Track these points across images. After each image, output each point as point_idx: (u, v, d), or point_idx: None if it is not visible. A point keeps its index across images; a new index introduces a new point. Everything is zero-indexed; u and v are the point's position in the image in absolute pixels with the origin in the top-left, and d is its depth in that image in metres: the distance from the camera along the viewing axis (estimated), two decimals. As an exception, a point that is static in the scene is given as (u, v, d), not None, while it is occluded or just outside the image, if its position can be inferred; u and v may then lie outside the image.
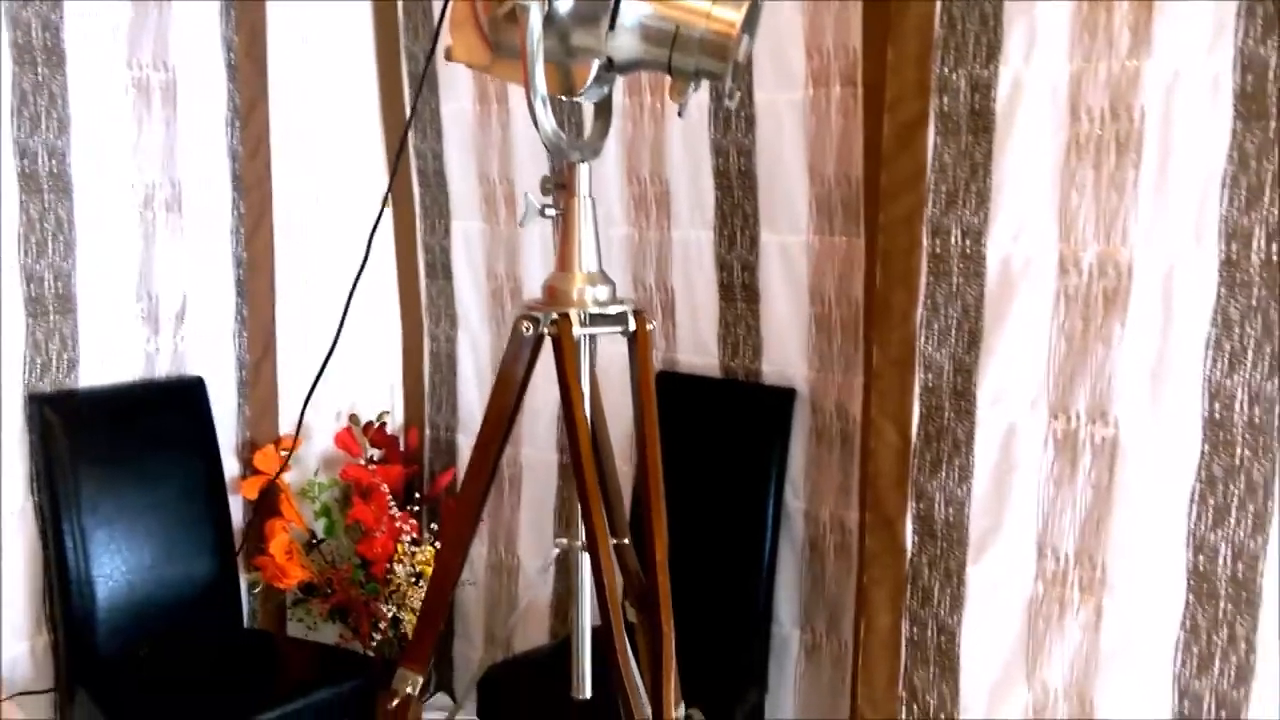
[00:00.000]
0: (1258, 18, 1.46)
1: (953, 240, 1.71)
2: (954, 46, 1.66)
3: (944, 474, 1.78)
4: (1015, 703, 1.76)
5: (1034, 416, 1.70)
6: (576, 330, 1.22)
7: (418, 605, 2.38)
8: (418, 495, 2.57)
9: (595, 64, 1.15)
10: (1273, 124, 1.46)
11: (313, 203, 2.46)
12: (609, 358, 1.35)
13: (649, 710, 1.24)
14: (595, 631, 1.28)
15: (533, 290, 2.23)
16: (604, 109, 1.27)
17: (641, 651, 1.31)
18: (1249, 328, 1.51)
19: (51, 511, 2.02)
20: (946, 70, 1.67)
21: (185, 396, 2.25)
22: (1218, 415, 1.56)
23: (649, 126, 2.15)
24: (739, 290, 2.12)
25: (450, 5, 1.20)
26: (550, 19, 1.12)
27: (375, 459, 2.55)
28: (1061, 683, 1.72)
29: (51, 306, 2.06)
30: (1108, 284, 1.60)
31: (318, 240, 2.46)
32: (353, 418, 2.59)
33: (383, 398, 2.69)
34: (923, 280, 1.73)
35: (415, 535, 2.46)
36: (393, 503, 2.46)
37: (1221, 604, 1.59)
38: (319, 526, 2.49)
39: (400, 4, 2.51)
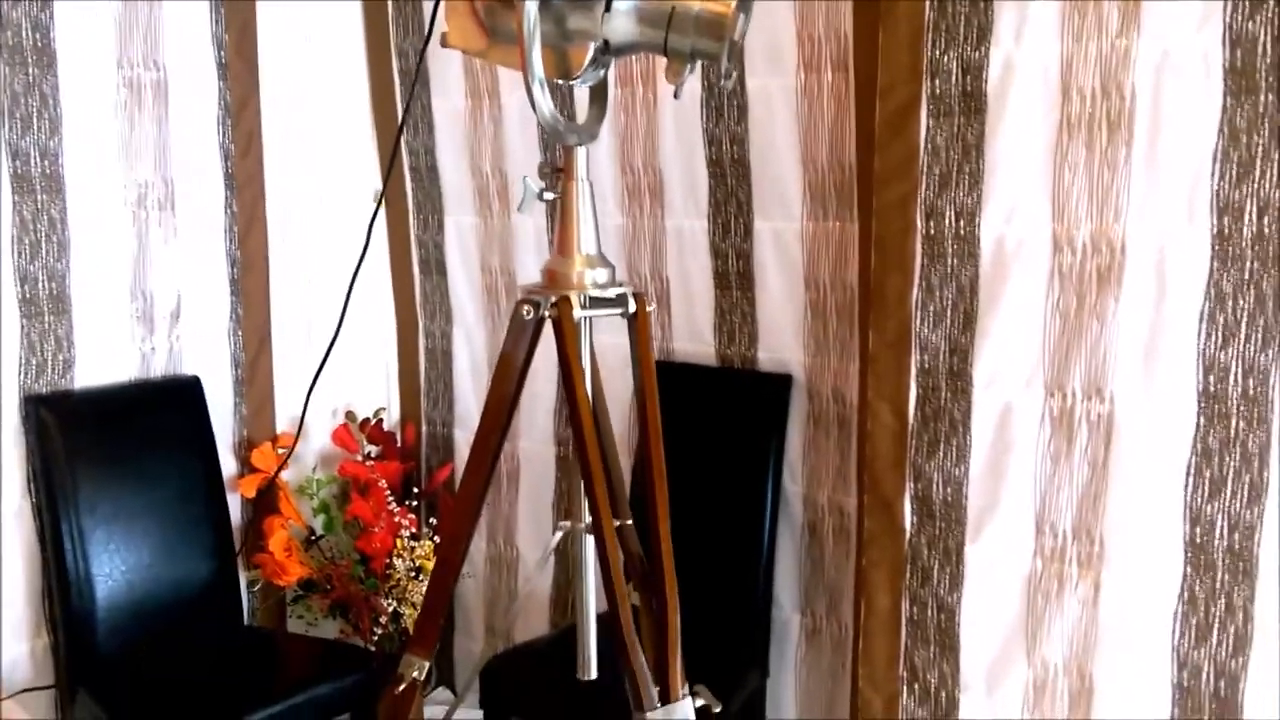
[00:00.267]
0: (1245, -7, 1.47)
1: (947, 222, 1.72)
2: (945, 29, 1.67)
3: (941, 454, 1.79)
4: (1016, 679, 1.77)
5: (1030, 395, 1.71)
6: (577, 312, 1.22)
7: (418, 600, 2.39)
8: (415, 490, 2.57)
9: (592, 47, 1.16)
10: (1262, 98, 1.47)
11: (306, 200, 2.47)
12: (604, 349, 1.35)
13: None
14: (599, 617, 1.29)
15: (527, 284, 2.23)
16: (600, 93, 1.27)
17: (645, 632, 1.31)
18: (1241, 300, 1.53)
19: (49, 512, 2.02)
20: (938, 53, 1.68)
21: (182, 396, 2.25)
22: (1212, 388, 1.57)
23: (641, 117, 2.16)
24: (734, 278, 2.13)
25: (443, -2, 1.20)
26: (546, 3, 1.13)
27: (372, 455, 2.55)
28: (1061, 658, 1.74)
29: (46, 307, 2.06)
30: (1101, 261, 1.61)
31: (311, 237, 2.46)
32: (349, 414, 2.59)
33: (379, 394, 2.70)
34: (917, 263, 1.75)
35: (414, 530, 2.47)
36: (391, 498, 2.46)
37: (1219, 575, 1.60)
38: (318, 523, 2.50)
39: (390, 1, 2.51)
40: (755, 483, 2.08)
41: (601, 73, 1.23)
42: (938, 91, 1.69)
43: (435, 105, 2.50)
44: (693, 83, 2.05)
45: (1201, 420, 1.59)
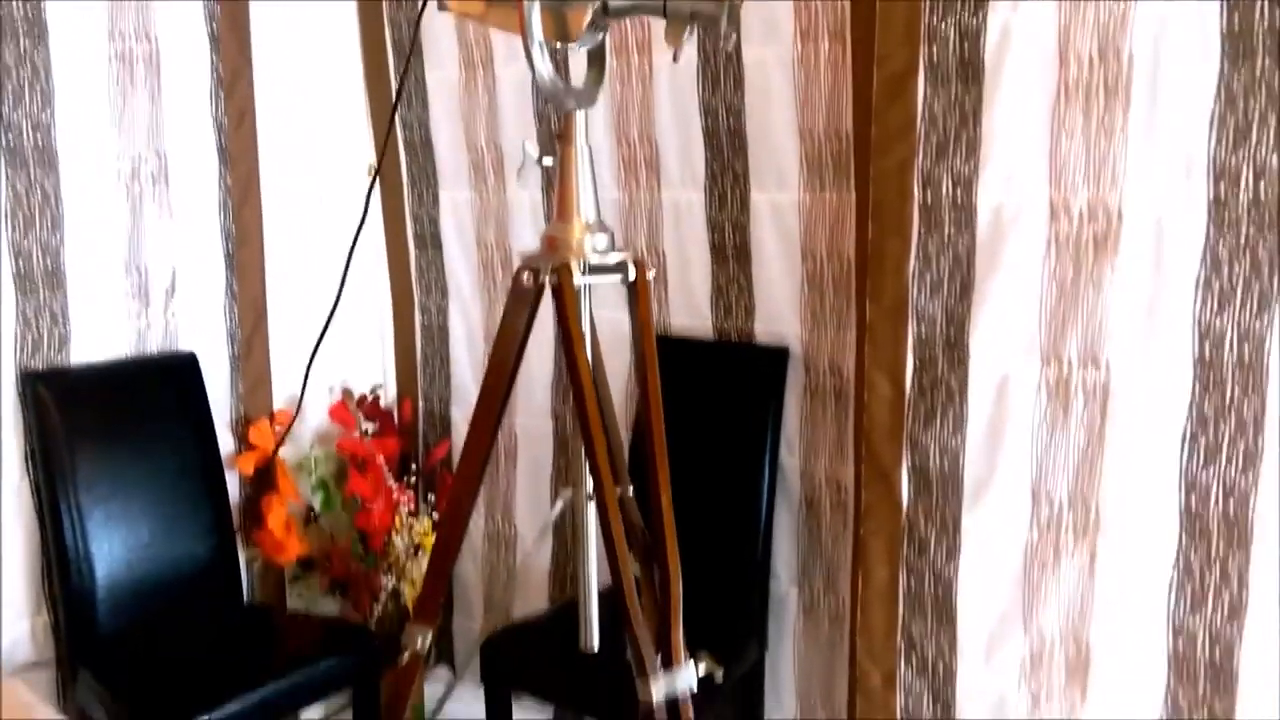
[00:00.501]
0: (1243, -43, 1.47)
1: (944, 190, 1.72)
2: (942, -5, 1.66)
3: (938, 424, 1.79)
4: (1013, 648, 1.78)
5: (1026, 364, 1.71)
6: (577, 279, 1.22)
7: (417, 577, 2.39)
8: (414, 467, 2.57)
9: (590, 9, 1.15)
10: (1259, 63, 1.47)
11: (300, 174, 2.45)
12: (600, 325, 1.35)
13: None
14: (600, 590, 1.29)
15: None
16: (598, 57, 1.27)
17: (645, 602, 1.32)
18: (1238, 266, 1.53)
19: (48, 490, 2.01)
20: (935, 20, 1.67)
21: (178, 372, 2.24)
22: (1208, 355, 1.58)
23: (637, 87, 2.15)
24: (730, 251, 2.13)
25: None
26: (544, -35, 1.12)
27: (370, 432, 2.55)
28: (1058, 627, 1.75)
29: (41, 282, 2.04)
30: (1098, 228, 1.61)
31: (306, 211, 2.45)
32: (346, 391, 2.59)
33: (375, 371, 2.69)
34: (915, 231, 1.74)
35: (412, 507, 2.47)
36: (389, 475, 2.46)
37: (1214, 542, 1.61)
38: (316, 500, 2.49)
39: (383, -28, 2.50)
40: (752, 456, 2.08)
41: (600, 36, 1.22)
42: (935, 58, 1.68)
43: (429, 76, 2.49)
44: (689, 51, 2.03)
45: (1197, 387, 1.59)
